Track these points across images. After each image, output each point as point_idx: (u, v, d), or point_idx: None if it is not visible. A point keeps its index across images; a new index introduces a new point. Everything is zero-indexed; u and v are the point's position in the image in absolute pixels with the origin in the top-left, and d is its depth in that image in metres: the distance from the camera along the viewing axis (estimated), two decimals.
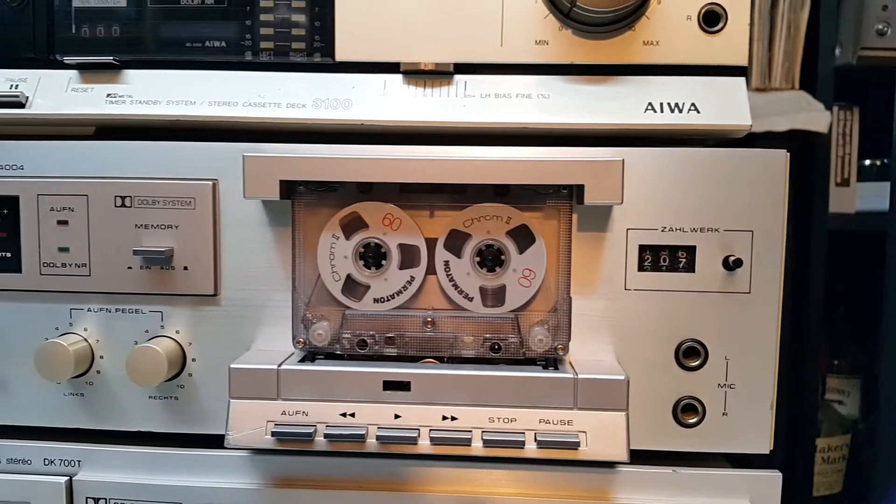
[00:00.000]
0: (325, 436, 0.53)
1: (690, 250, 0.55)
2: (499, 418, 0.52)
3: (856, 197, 1.24)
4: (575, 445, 0.51)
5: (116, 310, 0.58)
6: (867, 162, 1.27)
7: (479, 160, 0.52)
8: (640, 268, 0.55)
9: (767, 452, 0.56)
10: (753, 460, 0.58)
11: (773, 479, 0.55)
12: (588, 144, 0.55)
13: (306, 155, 0.54)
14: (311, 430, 0.53)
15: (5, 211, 0.58)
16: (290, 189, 0.55)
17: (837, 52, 1.18)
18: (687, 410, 0.56)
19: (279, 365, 0.53)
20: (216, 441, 0.58)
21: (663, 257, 0.55)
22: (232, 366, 0.54)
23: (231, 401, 0.54)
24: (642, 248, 0.55)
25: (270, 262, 0.57)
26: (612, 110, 0.55)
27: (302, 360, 0.55)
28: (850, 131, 1.30)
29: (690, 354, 0.55)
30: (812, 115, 1.05)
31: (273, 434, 0.53)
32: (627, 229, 0.55)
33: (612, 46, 0.56)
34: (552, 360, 0.55)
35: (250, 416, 0.53)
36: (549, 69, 0.56)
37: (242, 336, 0.58)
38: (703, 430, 0.56)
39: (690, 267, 0.55)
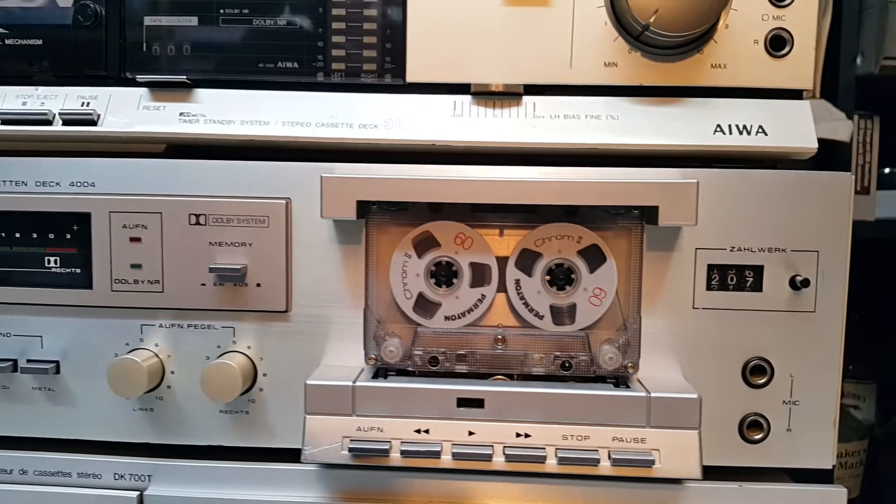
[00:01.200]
0: (402, 452, 0.53)
1: (758, 270, 0.56)
2: (572, 436, 0.53)
3: (875, 205, 1.25)
4: (649, 463, 0.52)
5: (188, 325, 0.59)
6: (887, 170, 1.28)
7: (554, 181, 0.53)
8: (709, 287, 0.56)
9: (830, 467, 0.57)
10: (809, 475, 0.59)
11: (838, 494, 0.56)
12: (651, 165, 0.56)
13: (381, 176, 0.55)
14: (386, 445, 0.53)
15: (75, 227, 0.58)
16: (363, 208, 0.55)
17: (859, 61, 1.19)
18: (752, 427, 0.57)
19: (354, 381, 0.54)
20: (285, 455, 0.59)
21: (731, 276, 0.56)
22: (308, 382, 0.54)
23: (307, 416, 0.54)
24: (710, 268, 0.56)
25: (340, 280, 0.58)
26: (682, 132, 0.56)
27: (374, 377, 0.56)
28: (871, 140, 1.31)
29: (757, 372, 0.56)
30: (835, 125, 1.06)
31: (350, 450, 0.53)
32: (696, 249, 0.56)
33: (680, 69, 0.57)
34: (621, 378, 0.56)
35: (326, 431, 0.54)
36: (617, 90, 0.57)
37: (312, 352, 0.59)
38: (768, 445, 0.57)
39: (758, 286, 0.56)
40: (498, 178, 0.54)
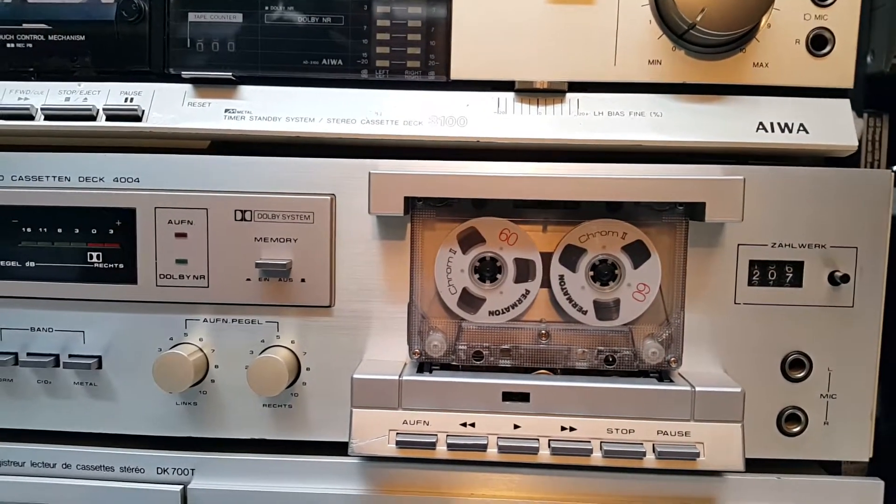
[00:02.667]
0: (448, 445, 0.54)
1: (798, 266, 0.57)
2: (617, 429, 0.54)
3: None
4: (694, 456, 0.53)
5: (233, 320, 0.59)
6: (895, 168, 1.29)
7: (602, 178, 0.53)
8: (750, 282, 0.57)
9: (867, 460, 0.58)
10: (847, 468, 0.60)
11: (874, 487, 0.57)
12: (688, 161, 0.57)
13: (428, 172, 0.55)
14: (433, 438, 0.54)
15: (119, 223, 0.59)
16: (408, 204, 0.56)
17: (869, 59, 1.20)
18: (790, 420, 0.58)
19: (400, 376, 0.55)
20: (327, 448, 0.59)
21: (771, 272, 0.57)
22: (354, 376, 0.55)
23: (353, 410, 0.55)
24: (752, 263, 0.57)
25: (382, 275, 0.59)
26: (726, 129, 0.57)
27: (419, 371, 0.57)
28: (880, 138, 1.32)
29: (796, 366, 0.57)
30: None
31: (397, 443, 0.54)
32: (738, 245, 0.56)
33: (723, 67, 0.57)
34: (664, 373, 0.56)
35: (372, 425, 0.55)
36: (660, 88, 0.58)
37: (354, 346, 0.59)
38: (805, 438, 0.58)
39: (798, 282, 0.57)
40: (545, 175, 0.54)
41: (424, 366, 0.57)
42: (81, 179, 0.58)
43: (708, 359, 0.57)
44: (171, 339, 0.59)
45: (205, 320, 0.59)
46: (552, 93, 0.58)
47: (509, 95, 0.58)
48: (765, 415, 0.57)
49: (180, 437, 0.61)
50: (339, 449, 0.59)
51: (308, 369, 0.59)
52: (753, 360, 0.57)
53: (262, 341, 0.59)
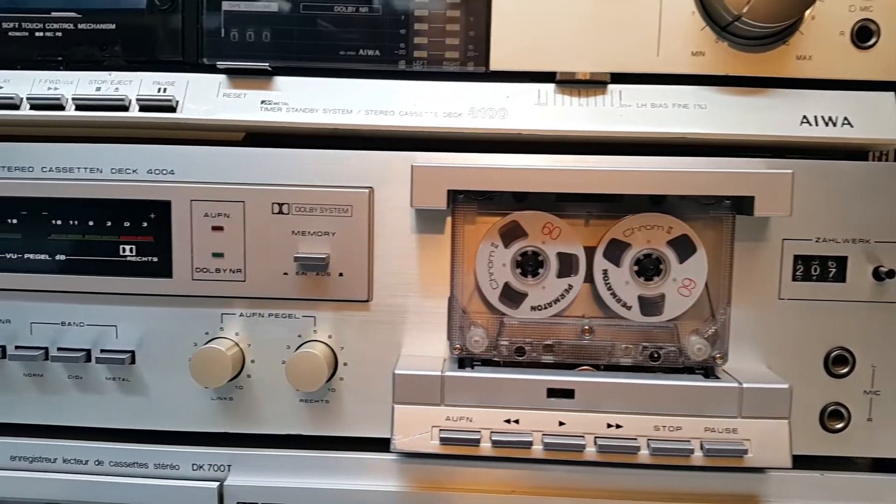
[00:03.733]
0: (493, 442, 0.53)
1: (842, 261, 0.56)
2: (664, 426, 0.53)
3: None
4: (742, 453, 0.52)
5: (269, 314, 0.58)
6: None
7: (653, 171, 0.53)
8: (794, 277, 0.56)
9: None
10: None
11: None
12: (725, 155, 0.56)
13: (471, 165, 0.54)
14: (477, 435, 0.53)
15: (152, 215, 0.58)
16: (450, 198, 0.55)
17: None
18: (833, 416, 0.57)
19: (443, 371, 0.54)
20: (364, 444, 0.59)
21: (814, 267, 0.56)
22: (396, 372, 0.54)
23: (395, 406, 0.54)
24: (796, 258, 0.56)
25: (421, 269, 0.58)
26: (770, 122, 0.56)
27: (460, 367, 0.56)
28: None
29: (839, 362, 0.57)
30: None
31: (441, 439, 0.53)
32: (783, 240, 0.56)
33: (766, 60, 0.57)
34: (710, 369, 0.56)
35: (415, 421, 0.54)
36: (703, 80, 0.57)
37: (391, 341, 0.58)
38: (848, 435, 0.57)
39: (841, 277, 0.56)
40: (592, 168, 0.53)
41: (465, 361, 0.56)
42: (114, 171, 0.57)
43: (750, 355, 0.57)
44: (207, 333, 0.58)
45: (241, 315, 0.58)
46: (593, 84, 0.57)
47: (549, 87, 0.57)
48: (807, 411, 0.57)
49: (214, 433, 0.60)
50: (376, 445, 0.59)
51: (345, 364, 0.58)
52: (796, 355, 0.57)
53: (299, 336, 0.58)
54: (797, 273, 0.56)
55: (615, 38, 0.56)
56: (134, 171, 0.57)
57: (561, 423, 0.53)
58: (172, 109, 0.57)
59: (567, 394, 0.54)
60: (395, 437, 0.54)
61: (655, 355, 0.55)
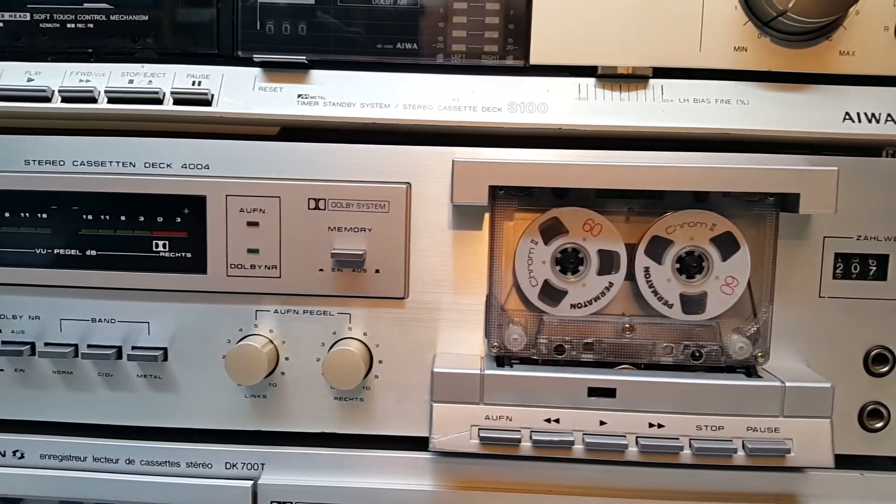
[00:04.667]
0: (533, 442, 0.53)
1: (883, 259, 0.56)
2: (706, 426, 0.53)
3: None
4: (784, 452, 0.52)
5: (304, 311, 0.57)
6: None
7: (701, 167, 0.52)
8: (834, 275, 0.56)
9: None
10: None
11: None
12: (765, 151, 0.55)
13: (513, 160, 0.54)
14: (517, 435, 0.53)
15: (186, 210, 0.57)
16: (490, 194, 0.54)
17: None
18: (873, 415, 0.57)
19: (482, 370, 0.53)
20: (398, 442, 0.58)
21: (854, 265, 0.56)
22: (435, 370, 0.54)
23: (433, 404, 0.54)
24: (837, 256, 0.55)
25: (457, 266, 0.57)
26: (812, 119, 0.55)
27: (499, 365, 0.55)
28: None
29: (879, 361, 0.56)
30: None
31: (481, 439, 0.53)
32: (824, 237, 0.55)
33: (808, 55, 0.56)
34: (751, 368, 0.55)
35: (454, 420, 0.54)
36: (745, 75, 0.56)
37: (427, 339, 0.58)
38: (888, 434, 0.57)
39: (882, 275, 0.56)
40: (639, 164, 0.53)
41: (502, 359, 0.56)
42: (148, 165, 0.56)
43: (789, 353, 0.57)
44: (241, 330, 0.58)
45: (275, 311, 0.57)
46: (635, 79, 0.56)
47: (590, 81, 0.57)
48: (846, 410, 0.57)
49: (244, 431, 0.59)
50: (410, 443, 0.58)
51: (380, 362, 0.58)
52: (836, 354, 0.57)
53: (334, 333, 0.58)
54: (837, 271, 0.56)
55: (657, 32, 0.56)
56: (168, 165, 0.56)
57: (602, 423, 0.53)
58: (208, 103, 0.56)
59: (608, 393, 0.53)
60: (433, 436, 0.53)
61: (697, 354, 0.55)
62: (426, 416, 0.57)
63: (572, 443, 0.52)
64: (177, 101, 0.56)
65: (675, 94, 0.56)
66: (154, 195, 0.56)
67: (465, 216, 0.56)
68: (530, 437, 0.53)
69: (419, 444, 0.58)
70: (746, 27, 0.56)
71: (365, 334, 0.57)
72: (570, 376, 0.53)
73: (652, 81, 0.56)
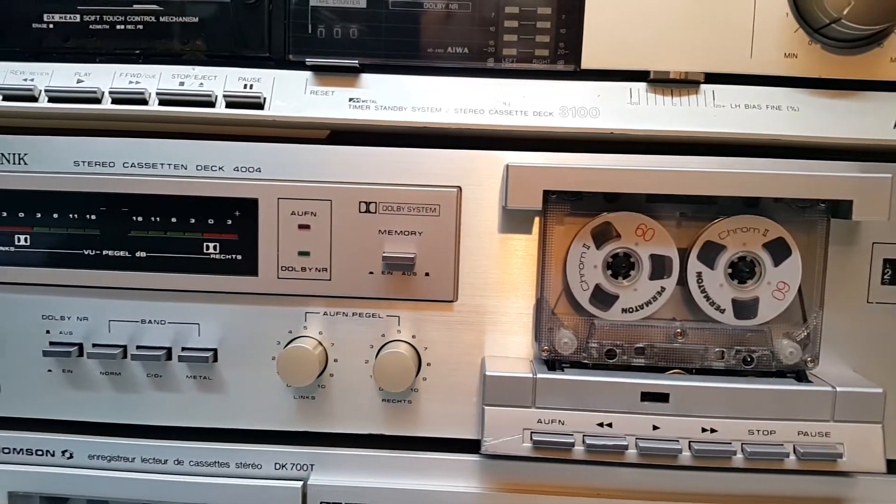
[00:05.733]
0: (587, 446, 0.53)
1: None
2: (758, 430, 0.53)
3: None
4: (836, 457, 0.52)
5: (354, 314, 0.58)
6: None
7: (757, 173, 0.52)
8: (883, 281, 0.56)
9: None
10: None
11: None
12: (824, 157, 0.56)
13: (566, 165, 0.54)
14: (570, 439, 0.53)
15: (237, 213, 0.57)
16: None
17: None
18: None
19: (534, 373, 0.54)
20: (445, 445, 0.58)
21: None
22: (487, 373, 0.54)
23: (485, 408, 0.54)
24: (885, 262, 0.56)
25: (506, 270, 0.57)
26: (864, 126, 0.56)
27: (550, 368, 0.55)
28: None
29: None
30: None
31: (534, 443, 0.53)
32: (873, 243, 0.56)
33: (859, 62, 0.56)
34: (801, 373, 0.55)
35: (506, 423, 0.54)
36: (795, 82, 0.56)
37: (475, 342, 0.58)
38: None
39: None
40: (694, 170, 0.53)
41: (553, 363, 0.56)
42: (199, 168, 0.57)
43: (836, 358, 0.57)
44: (290, 332, 0.58)
45: (325, 313, 0.58)
46: (686, 84, 0.56)
47: (641, 86, 0.57)
48: (894, 415, 0.57)
49: (290, 432, 0.59)
50: (457, 446, 0.58)
51: (428, 364, 0.58)
52: (884, 359, 0.57)
53: (383, 335, 0.58)
54: (885, 276, 0.56)
55: (708, 38, 0.56)
56: (220, 168, 0.56)
57: (655, 428, 0.53)
58: (260, 106, 0.56)
59: (662, 398, 0.53)
60: (486, 439, 0.53)
61: (748, 359, 0.55)
62: (473, 418, 0.58)
63: (626, 447, 0.53)
64: (229, 104, 0.56)
65: (726, 99, 0.56)
66: (206, 198, 0.56)
67: (514, 220, 0.56)
68: (583, 442, 0.53)
69: (466, 446, 0.58)
70: (797, 34, 0.56)
71: (413, 337, 0.58)
72: (624, 381, 0.53)
73: (703, 87, 0.57)
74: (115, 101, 0.57)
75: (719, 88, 0.57)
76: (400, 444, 0.60)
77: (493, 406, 0.54)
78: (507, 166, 0.53)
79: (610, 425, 0.53)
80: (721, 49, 0.56)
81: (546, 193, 0.54)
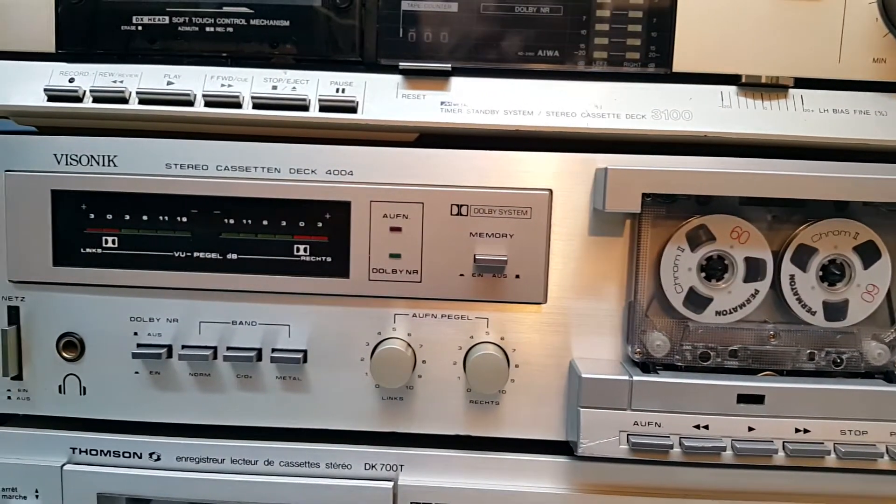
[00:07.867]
0: (683, 448, 0.53)
1: None
2: (850, 431, 0.54)
3: None
4: None
5: (443, 315, 0.58)
6: None
7: (861, 178, 0.53)
8: None
9: None
10: None
11: None
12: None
13: (664, 168, 0.54)
14: (667, 441, 0.53)
15: (328, 215, 0.57)
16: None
17: None
18: None
19: (630, 376, 0.54)
20: (532, 446, 0.59)
21: None
22: (583, 375, 0.54)
23: (581, 410, 0.54)
24: None
25: (594, 272, 0.58)
26: None
27: (643, 371, 0.56)
28: None
29: None
30: None
31: (631, 445, 0.53)
32: None
33: None
34: (890, 374, 0.56)
35: (602, 425, 0.54)
36: (882, 86, 0.57)
37: (563, 344, 0.59)
38: None
39: None
40: (794, 173, 0.53)
41: (646, 365, 0.56)
42: (292, 171, 0.57)
43: None
44: (379, 333, 0.58)
45: (413, 315, 0.58)
46: (776, 88, 0.57)
47: (731, 89, 0.57)
48: None
49: (378, 433, 0.60)
50: (544, 447, 0.59)
51: (517, 366, 0.58)
52: None
53: (471, 337, 0.58)
54: None
55: (798, 42, 0.56)
56: (313, 171, 0.57)
57: (750, 429, 0.54)
58: (354, 110, 0.57)
59: (757, 399, 0.54)
60: (582, 441, 0.54)
61: (838, 360, 0.56)
62: (559, 420, 0.58)
63: (723, 448, 0.53)
64: (323, 108, 0.57)
65: (814, 104, 0.57)
66: (299, 201, 0.57)
67: (605, 222, 0.57)
68: (680, 444, 0.53)
69: (554, 447, 0.59)
70: (886, 39, 0.56)
71: (502, 338, 0.58)
72: (721, 383, 0.54)
73: (792, 91, 0.57)
74: (208, 104, 0.57)
75: (808, 93, 0.57)
76: (485, 445, 0.60)
77: (589, 408, 0.54)
78: (607, 169, 0.53)
79: (707, 427, 0.54)
80: (810, 54, 0.57)
81: (643, 196, 0.54)
